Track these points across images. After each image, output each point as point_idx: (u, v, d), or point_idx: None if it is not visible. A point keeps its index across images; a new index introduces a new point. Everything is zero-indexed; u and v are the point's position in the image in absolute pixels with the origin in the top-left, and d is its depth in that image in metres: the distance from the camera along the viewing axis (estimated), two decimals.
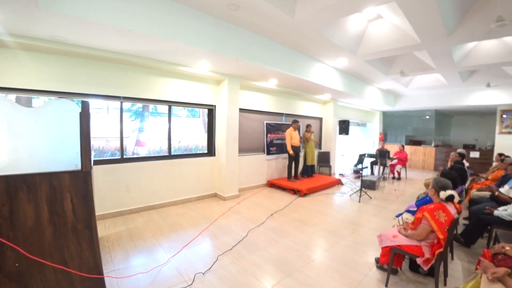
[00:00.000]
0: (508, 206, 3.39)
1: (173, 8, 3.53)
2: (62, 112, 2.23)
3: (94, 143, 6.32)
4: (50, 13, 2.64)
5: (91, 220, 2.23)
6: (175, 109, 7.06)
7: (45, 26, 3.01)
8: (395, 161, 8.98)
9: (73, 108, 2.22)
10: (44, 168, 2.10)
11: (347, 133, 9.19)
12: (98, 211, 4.20)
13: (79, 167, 2.16)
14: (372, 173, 9.30)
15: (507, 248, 2.27)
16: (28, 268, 2.01)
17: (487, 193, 4.47)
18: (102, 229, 3.94)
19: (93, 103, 5.54)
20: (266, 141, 7.24)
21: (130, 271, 2.87)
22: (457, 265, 3.18)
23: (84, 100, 2.11)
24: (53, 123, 2.23)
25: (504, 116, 9.45)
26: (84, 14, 2.81)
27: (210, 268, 2.98)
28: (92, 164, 2.36)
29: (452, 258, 3.29)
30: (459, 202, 2.83)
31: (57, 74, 3.87)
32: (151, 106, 7.12)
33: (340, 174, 9.34)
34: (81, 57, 4.03)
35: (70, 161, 2.22)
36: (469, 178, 6.36)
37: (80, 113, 2.07)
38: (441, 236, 2.42)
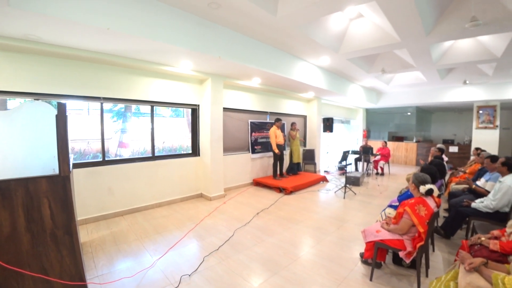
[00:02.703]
0: (484, 198, 3.54)
1: (152, 6, 3.46)
2: (37, 114, 2.14)
3: (75, 145, 6.13)
4: (22, 11, 2.52)
5: (71, 225, 2.16)
6: (158, 109, 6.95)
7: (17, 25, 2.87)
8: (378, 157, 9.18)
9: (49, 110, 2.14)
10: (20, 173, 2.02)
11: (331, 131, 9.32)
12: (80, 216, 4.09)
13: (56, 172, 2.08)
14: (356, 169, 9.48)
15: (483, 238, 2.38)
16: (6, 279, 1.93)
17: (465, 186, 4.64)
18: (85, 234, 3.83)
19: (73, 104, 5.38)
20: (251, 140, 7.24)
21: (115, 276, 2.80)
22: (438, 256, 3.29)
23: (61, 102, 2.04)
24: (28, 126, 2.14)
25: (480, 112, 9.84)
26: (58, 13, 2.70)
27: (196, 269, 2.95)
28: (71, 167, 2.28)
29: (433, 250, 3.40)
30: (439, 195, 2.92)
31: (33, 74, 3.72)
32: (133, 106, 6.96)
33: (325, 171, 9.47)
34: (58, 57, 3.88)
35: (47, 165, 2.14)
36: (448, 172, 6.58)
37: (57, 116, 2.00)
38: (421, 230, 2.50)
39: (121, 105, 6.88)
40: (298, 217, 4.70)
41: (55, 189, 2.07)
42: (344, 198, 5.97)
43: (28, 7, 2.53)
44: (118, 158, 5.42)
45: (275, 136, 6.88)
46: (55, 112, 2.02)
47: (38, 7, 2.58)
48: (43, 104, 2.21)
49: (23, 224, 1.98)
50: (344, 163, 6.99)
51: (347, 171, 7.53)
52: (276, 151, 6.86)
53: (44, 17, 2.69)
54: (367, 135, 13.48)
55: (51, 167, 2.15)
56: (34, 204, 2.01)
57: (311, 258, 3.25)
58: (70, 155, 2.46)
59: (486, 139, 9.59)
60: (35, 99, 3.79)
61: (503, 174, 3.48)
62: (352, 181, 7.16)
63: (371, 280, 2.75)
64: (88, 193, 4.26)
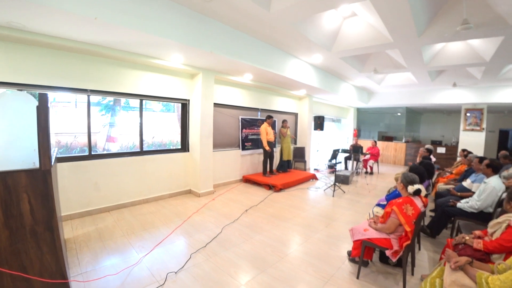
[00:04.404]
0: (470, 198, 3.60)
1: None
2: (17, 105, 2.05)
3: (61, 138, 5.97)
4: None
5: (52, 221, 2.08)
6: (149, 103, 6.83)
7: (0, 11, 2.75)
8: (368, 156, 9.27)
9: (30, 101, 2.05)
10: None
11: (322, 129, 9.33)
12: (64, 211, 3.99)
13: (37, 165, 2.00)
14: (346, 168, 9.56)
15: (467, 238, 2.42)
16: None
17: (451, 186, 4.71)
18: (69, 230, 3.74)
19: (60, 96, 5.23)
20: (241, 137, 7.19)
21: (99, 273, 2.74)
22: (424, 255, 3.33)
23: (42, 93, 1.95)
24: (7, 117, 2.04)
25: (468, 114, 10.04)
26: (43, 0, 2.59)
27: (183, 266, 2.91)
28: (53, 161, 2.20)
29: (419, 249, 3.45)
30: (426, 195, 2.95)
31: (17, 64, 3.57)
32: (123, 100, 6.81)
33: (315, 169, 9.51)
34: (43, 46, 3.74)
35: (28, 158, 2.06)
36: (436, 173, 6.68)
37: (38, 107, 1.91)
38: (408, 229, 2.51)
39: (109, 98, 6.72)
40: (287, 214, 4.69)
41: (35, 184, 1.99)
42: (333, 196, 6.00)
43: None
44: (105, 152, 5.31)
45: (266, 133, 6.85)
46: (36, 103, 1.94)
47: None
48: (23, 94, 2.12)
49: (1, 220, 1.90)
50: (334, 161, 7.03)
51: (337, 169, 7.57)
52: (267, 148, 6.84)
53: (28, 4, 2.57)
54: (358, 134, 13.59)
55: (31, 160, 2.06)
56: (12, 199, 1.93)
57: (299, 256, 3.25)
58: (53, 149, 2.38)
59: (472, 141, 9.81)
60: (18, 90, 3.66)
61: (488, 176, 3.55)
62: (342, 180, 7.21)
63: (358, 278, 2.77)
64: (73, 188, 4.15)
